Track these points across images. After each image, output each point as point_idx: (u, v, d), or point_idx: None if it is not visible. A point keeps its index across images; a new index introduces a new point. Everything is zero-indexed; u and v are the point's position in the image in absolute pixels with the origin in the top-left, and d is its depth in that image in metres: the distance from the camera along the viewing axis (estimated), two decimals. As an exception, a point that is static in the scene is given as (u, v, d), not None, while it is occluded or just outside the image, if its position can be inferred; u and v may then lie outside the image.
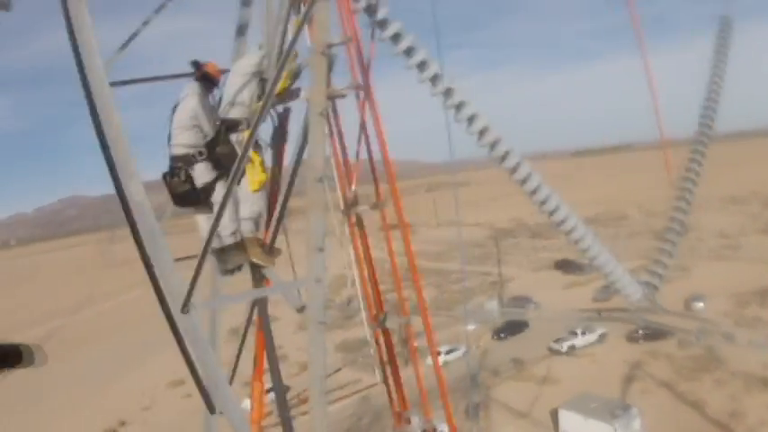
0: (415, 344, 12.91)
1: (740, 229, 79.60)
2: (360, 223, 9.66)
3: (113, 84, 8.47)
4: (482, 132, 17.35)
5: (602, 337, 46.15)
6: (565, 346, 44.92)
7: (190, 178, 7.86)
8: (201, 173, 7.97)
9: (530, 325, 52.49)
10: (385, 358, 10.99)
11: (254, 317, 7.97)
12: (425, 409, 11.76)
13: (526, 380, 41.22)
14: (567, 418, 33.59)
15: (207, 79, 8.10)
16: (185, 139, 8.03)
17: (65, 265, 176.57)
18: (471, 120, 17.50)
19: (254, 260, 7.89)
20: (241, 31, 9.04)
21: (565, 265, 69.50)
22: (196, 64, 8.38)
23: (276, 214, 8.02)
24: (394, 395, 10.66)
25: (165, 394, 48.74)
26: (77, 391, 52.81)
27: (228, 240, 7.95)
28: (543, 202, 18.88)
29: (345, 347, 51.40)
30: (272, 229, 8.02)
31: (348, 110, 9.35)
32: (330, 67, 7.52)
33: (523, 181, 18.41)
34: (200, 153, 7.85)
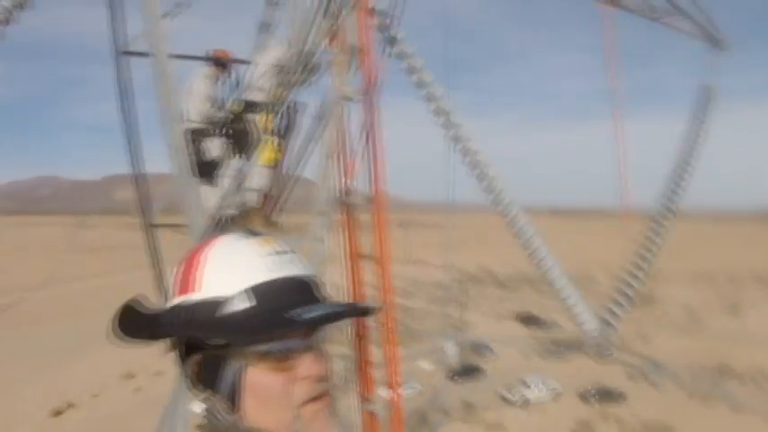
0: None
1: (705, 305, 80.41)
2: (351, 214, 10.06)
3: (133, 53, 9.02)
4: (470, 158, 17.73)
5: (554, 393, 46.37)
6: (517, 396, 45.06)
7: (200, 151, 8.22)
8: (213, 147, 8.41)
9: (485, 371, 52.67)
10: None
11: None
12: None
13: (475, 424, 41.16)
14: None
15: (218, 63, 8.74)
16: (199, 115, 8.51)
17: (31, 241, 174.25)
18: (466, 152, 17.87)
19: (258, 227, 7.94)
20: (264, 27, 9.70)
21: (527, 319, 70.02)
22: (208, 52, 8.99)
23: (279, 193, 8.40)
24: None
25: (116, 385, 48.46)
26: (28, 367, 52.37)
27: (231, 211, 8.15)
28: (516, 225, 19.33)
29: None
30: (273, 204, 8.38)
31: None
32: (349, 67, 8.04)
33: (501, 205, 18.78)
34: (215, 128, 8.34)
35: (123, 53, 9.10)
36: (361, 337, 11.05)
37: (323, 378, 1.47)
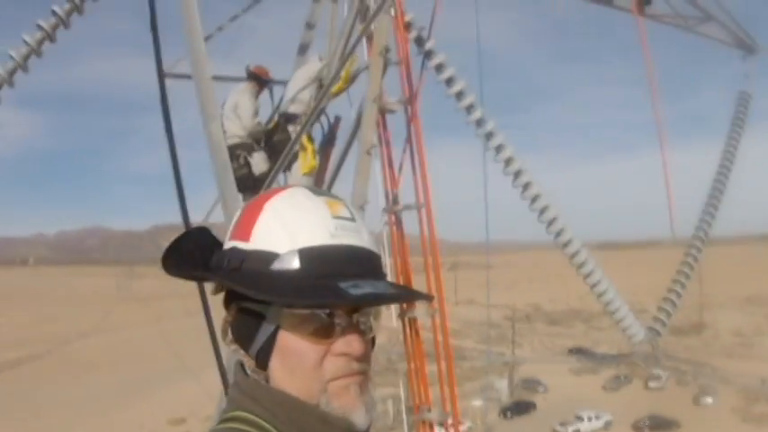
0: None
1: (756, 329, 79.03)
2: (399, 225, 10.11)
3: (176, 75, 9.41)
4: (525, 186, 17.76)
5: (607, 425, 45.97)
6: (571, 430, 44.67)
7: (248, 163, 8.57)
8: (259, 162, 8.82)
9: (537, 407, 52.35)
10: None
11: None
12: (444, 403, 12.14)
13: (530, 459, 40.85)
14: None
15: (256, 79, 9.12)
16: (243, 130, 8.87)
17: (79, 291, 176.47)
18: (518, 174, 17.99)
19: None
20: (302, 49, 10.15)
21: (578, 353, 69.58)
22: (248, 68, 9.40)
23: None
24: (416, 388, 11.03)
25: (166, 430, 48.70)
26: (77, 415, 52.88)
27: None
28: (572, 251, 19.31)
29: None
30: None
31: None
32: (384, 70, 8.30)
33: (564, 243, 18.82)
34: (258, 142, 8.67)
35: (166, 75, 9.46)
36: (415, 347, 11.08)
37: (360, 358, 1.39)
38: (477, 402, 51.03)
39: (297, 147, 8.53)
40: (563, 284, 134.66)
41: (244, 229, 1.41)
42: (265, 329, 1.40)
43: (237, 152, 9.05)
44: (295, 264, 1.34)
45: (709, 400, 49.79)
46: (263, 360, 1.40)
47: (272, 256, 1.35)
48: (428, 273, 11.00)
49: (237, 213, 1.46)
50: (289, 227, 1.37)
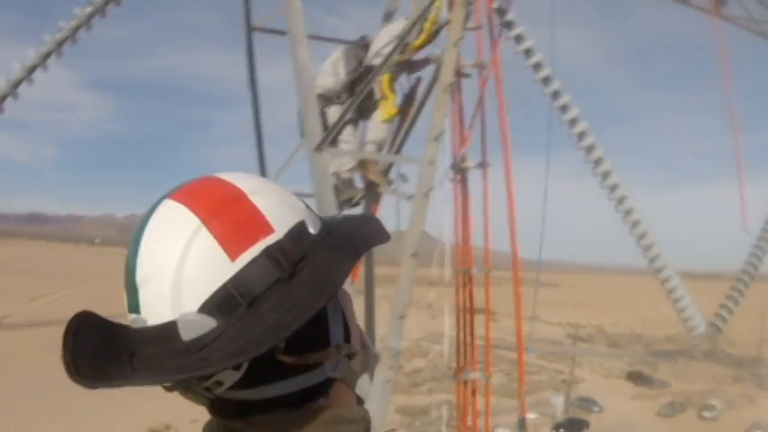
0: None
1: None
2: (464, 184, 11.05)
3: (263, 30, 10.50)
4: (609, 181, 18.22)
5: (662, 451, 46.34)
6: (622, 454, 45.22)
7: (323, 113, 9.50)
8: (334, 114, 9.47)
9: (590, 426, 52.81)
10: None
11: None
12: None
13: (577, 476, 41.55)
14: None
15: (365, 47, 9.87)
16: (333, 84, 9.53)
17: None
18: (621, 200, 18.65)
19: (372, 177, 9.42)
20: (388, 16, 11.21)
21: (636, 377, 69.56)
22: (365, 38, 10.06)
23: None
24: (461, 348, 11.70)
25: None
26: (123, 395, 54.61)
27: (346, 175, 9.48)
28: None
29: (405, 411, 52.45)
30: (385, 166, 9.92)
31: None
32: (465, 21, 9.14)
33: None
34: (339, 96, 9.51)
35: (253, 29, 10.30)
36: (466, 309, 11.70)
37: None
38: (532, 416, 51.77)
39: (371, 88, 9.28)
40: (627, 309, 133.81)
41: (256, 226, 1.09)
42: (339, 309, 1.22)
43: (320, 103, 9.50)
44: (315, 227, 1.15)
45: (761, 434, 49.79)
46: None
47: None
48: (512, 226, 11.90)
49: (204, 235, 1.07)
50: (288, 199, 1.17)
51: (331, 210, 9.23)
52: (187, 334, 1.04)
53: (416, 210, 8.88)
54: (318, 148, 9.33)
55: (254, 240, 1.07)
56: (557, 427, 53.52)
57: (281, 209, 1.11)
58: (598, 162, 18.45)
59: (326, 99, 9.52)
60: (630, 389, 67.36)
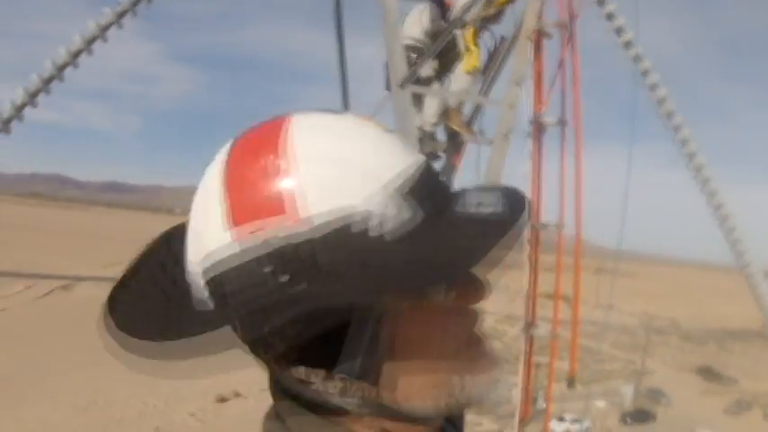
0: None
1: None
2: (540, 140, 11.37)
3: None
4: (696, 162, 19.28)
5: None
6: (687, 446, 45.01)
7: (415, 64, 9.59)
8: (424, 66, 9.53)
9: (657, 418, 52.95)
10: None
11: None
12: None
13: (641, 466, 41.70)
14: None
15: (441, 6, 9.85)
16: (419, 34, 9.55)
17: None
18: (713, 194, 19.73)
19: (454, 126, 9.58)
20: None
21: (706, 372, 69.40)
22: None
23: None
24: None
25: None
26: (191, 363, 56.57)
27: (430, 128, 9.69)
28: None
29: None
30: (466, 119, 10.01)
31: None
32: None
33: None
34: (424, 45, 9.63)
35: None
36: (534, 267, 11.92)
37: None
38: (600, 403, 52.64)
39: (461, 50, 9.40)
40: (703, 303, 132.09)
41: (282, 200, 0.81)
42: (374, 327, 0.85)
43: (408, 53, 9.44)
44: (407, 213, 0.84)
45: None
46: (366, 376, 0.87)
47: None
48: (578, 199, 12.37)
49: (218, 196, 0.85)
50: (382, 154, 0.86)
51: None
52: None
53: (496, 150, 8.96)
54: (402, 84, 9.21)
55: (258, 218, 0.81)
56: (624, 416, 53.97)
57: (326, 188, 0.81)
58: (692, 156, 19.61)
59: (412, 49, 9.50)
60: (700, 383, 68.11)
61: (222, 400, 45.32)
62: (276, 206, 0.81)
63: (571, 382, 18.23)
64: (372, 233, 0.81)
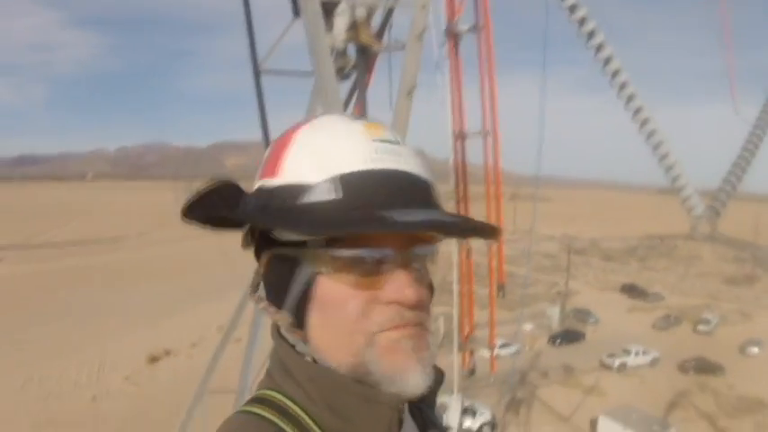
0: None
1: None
2: (457, 48, 11.20)
3: (270, 72, 10.17)
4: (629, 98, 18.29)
5: (654, 362, 46.90)
6: (616, 363, 45.66)
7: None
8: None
9: (586, 337, 53.20)
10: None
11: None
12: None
13: (573, 387, 42.26)
14: (606, 427, 34.51)
15: None
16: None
17: (135, 205, 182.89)
18: (631, 98, 18.57)
19: (364, 40, 9.30)
20: None
21: (631, 290, 70.09)
22: None
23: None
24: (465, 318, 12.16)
25: (214, 336, 50.64)
26: (130, 318, 55.51)
27: (341, 45, 9.23)
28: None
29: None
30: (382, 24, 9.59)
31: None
32: None
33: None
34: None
35: (261, 71, 10.02)
36: (466, 276, 11.92)
37: (416, 306, 1.17)
38: (528, 327, 52.25)
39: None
40: (621, 223, 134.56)
41: (271, 166, 1.24)
42: (301, 277, 1.20)
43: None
44: (329, 194, 1.15)
45: (756, 350, 50.01)
46: (299, 316, 1.22)
47: (303, 189, 1.17)
48: (488, 200, 12.17)
49: (266, 152, 1.30)
50: (321, 154, 1.19)
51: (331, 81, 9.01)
52: None
53: (410, 53, 8.49)
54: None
55: (260, 177, 1.28)
56: (553, 338, 53.95)
57: (301, 163, 1.21)
58: (615, 73, 18.15)
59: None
60: (625, 301, 69.09)
61: (154, 359, 46.40)
62: (271, 170, 1.25)
63: (500, 288, 19.01)
64: (302, 199, 1.17)
